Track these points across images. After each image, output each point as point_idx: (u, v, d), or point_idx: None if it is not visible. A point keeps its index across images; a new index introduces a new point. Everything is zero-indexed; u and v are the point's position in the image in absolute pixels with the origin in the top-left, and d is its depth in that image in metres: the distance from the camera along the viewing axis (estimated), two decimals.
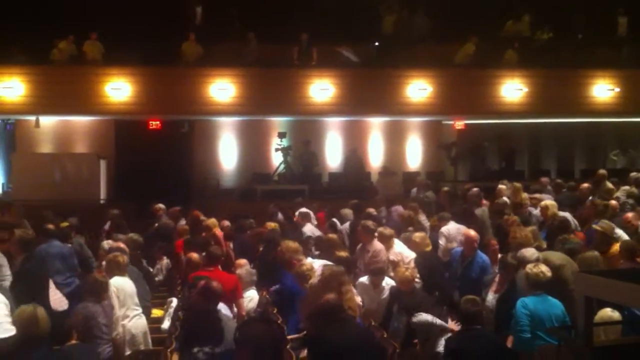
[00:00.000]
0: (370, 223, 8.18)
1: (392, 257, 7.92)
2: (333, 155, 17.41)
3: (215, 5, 15.78)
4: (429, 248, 8.25)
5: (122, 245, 7.67)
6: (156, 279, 8.78)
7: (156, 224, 10.50)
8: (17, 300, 5.38)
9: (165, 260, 9.13)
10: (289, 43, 15.51)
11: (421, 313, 5.99)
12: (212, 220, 9.61)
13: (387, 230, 8.26)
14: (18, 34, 14.09)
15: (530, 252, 6.46)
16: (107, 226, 10.35)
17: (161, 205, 11.26)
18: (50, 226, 8.16)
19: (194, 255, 7.52)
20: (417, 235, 8.27)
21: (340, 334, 5.04)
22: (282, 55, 15.59)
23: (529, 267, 5.82)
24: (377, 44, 16.57)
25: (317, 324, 5.25)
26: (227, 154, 17.06)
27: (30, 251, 6.77)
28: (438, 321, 5.92)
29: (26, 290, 5.83)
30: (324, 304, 5.25)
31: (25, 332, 4.59)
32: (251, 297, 7.16)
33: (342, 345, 4.96)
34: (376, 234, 8.05)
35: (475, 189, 10.70)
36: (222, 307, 5.91)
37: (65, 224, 8.94)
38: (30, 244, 6.86)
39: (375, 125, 17.69)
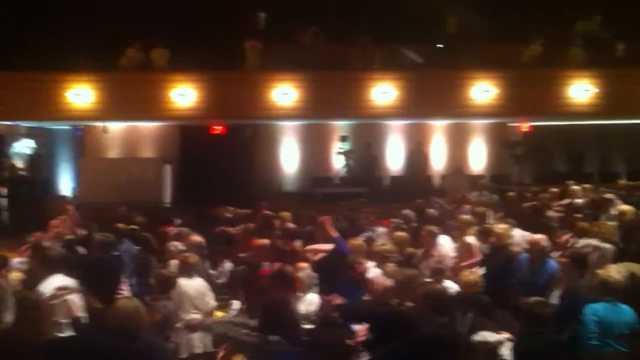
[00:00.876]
0: (435, 228, 8.06)
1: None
2: (394, 158, 17.27)
3: (278, 9, 15.86)
4: (511, 240, 8.06)
5: (198, 239, 7.73)
6: (218, 281, 8.84)
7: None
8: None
9: (228, 263, 9.19)
10: (350, 46, 15.46)
11: (482, 332, 5.81)
12: (285, 213, 9.68)
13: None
14: (87, 41, 14.48)
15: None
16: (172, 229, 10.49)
17: (226, 208, 11.33)
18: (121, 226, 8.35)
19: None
20: (501, 227, 8.06)
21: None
22: (344, 58, 15.56)
23: (603, 272, 5.63)
24: (440, 45, 16.34)
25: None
26: (289, 157, 17.14)
27: (109, 253, 6.91)
28: (495, 337, 5.74)
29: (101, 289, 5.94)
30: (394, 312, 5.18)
31: (127, 326, 4.61)
32: (312, 301, 7.12)
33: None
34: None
35: (546, 193, 10.42)
36: None
37: (134, 225, 9.09)
38: (110, 246, 7.01)
39: (438, 128, 17.48)
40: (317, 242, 8.22)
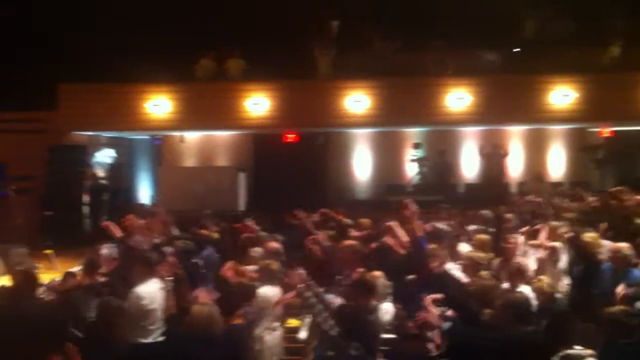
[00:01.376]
0: (521, 238, 7.83)
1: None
2: (469, 165, 16.95)
3: (350, 17, 15.86)
4: (600, 249, 7.75)
5: (276, 245, 7.74)
6: None
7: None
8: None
9: (302, 271, 9.16)
10: (424, 51, 15.29)
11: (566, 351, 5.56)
12: (365, 220, 9.60)
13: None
14: (165, 53, 14.85)
15: None
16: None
17: (301, 212, 11.29)
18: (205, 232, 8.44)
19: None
20: (589, 235, 7.76)
21: None
22: (417, 64, 15.39)
23: None
24: (517, 49, 15.96)
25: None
26: (361, 165, 17.08)
27: (189, 260, 6.99)
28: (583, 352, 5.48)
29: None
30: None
31: (201, 331, 4.65)
32: (387, 310, 7.03)
33: None
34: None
35: (636, 197, 9.94)
36: None
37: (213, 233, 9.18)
38: (192, 254, 7.10)
39: (515, 134, 17.04)
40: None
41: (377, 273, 7.62)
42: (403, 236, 7.27)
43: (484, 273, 6.76)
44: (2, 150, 14.81)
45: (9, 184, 14.94)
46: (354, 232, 9.34)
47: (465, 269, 7.23)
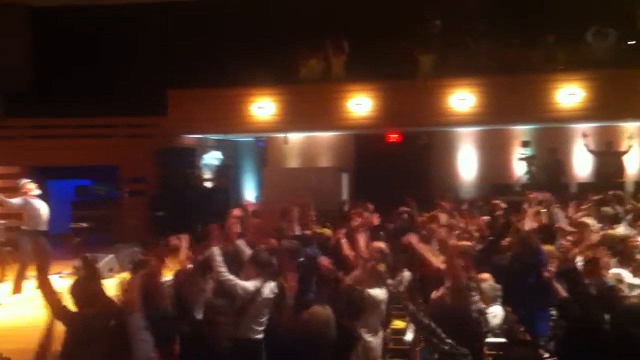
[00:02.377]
0: None
1: None
2: (582, 163, 16.17)
3: (454, 13, 15.54)
4: None
5: (381, 245, 7.64)
6: (396, 289, 8.67)
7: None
8: None
9: (407, 272, 9.00)
10: (532, 46, 14.75)
11: None
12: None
13: None
14: (268, 55, 15.10)
15: None
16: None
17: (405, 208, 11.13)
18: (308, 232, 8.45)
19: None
20: None
21: None
22: (525, 60, 14.87)
23: None
24: (631, 42, 15.11)
25: None
26: (466, 164, 16.69)
27: (297, 259, 6.99)
28: None
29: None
30: None
31: (318, 334, 4.64)
32: (495, 314, 6.78)
33: None
34: None
35: None
36: None
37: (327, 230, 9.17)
38: (298, 253, 7.12)
39: (634, 131, 16.11)
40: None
41: (486, 275, 7.39)
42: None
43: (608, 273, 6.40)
44: (115, 154, 15.52)
45: (122, 186, 15.65)
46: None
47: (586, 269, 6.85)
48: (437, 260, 6.53)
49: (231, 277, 5.86)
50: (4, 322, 8.63)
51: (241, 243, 6.92)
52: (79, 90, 15.05)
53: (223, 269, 5.85)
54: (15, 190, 15.25)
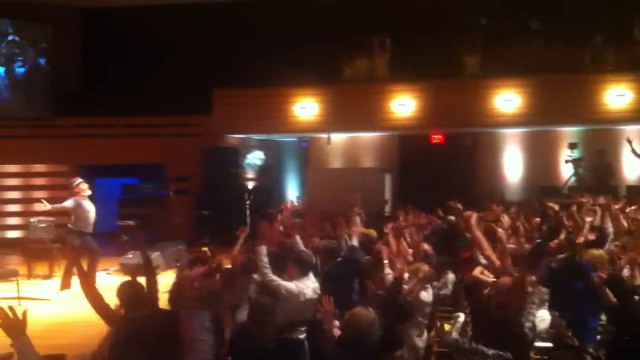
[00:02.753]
0: None
1: None
2: (631, 166, 15.79)
3: (499, 11, 15.34)
4: None
5: (426, 247, 7.59)
6: (441, 292, 8.60)
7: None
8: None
9: (451, 275, 8.91)
10: (581, 46, 14.47)
11: None
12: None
13: None
14: (311, 55, 15.12)
15: None
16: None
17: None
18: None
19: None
20: None
21: None
22: (573, 60, 14.59)
23: None
24: None
25: None
26: (511, 166, 16.46)
27: (333, 260, 7.00)
28: None
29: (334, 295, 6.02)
30: None
31: (360, 336, 4.62)
32: (543, 318, 6.67)
33: None
34: None
35: None
36: None
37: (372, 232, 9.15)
38: (334, 252, 7.13)
39: None
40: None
41: (534, 277, 7.25)
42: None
43: None
44: (162, 152, 15.75)
45: (169, 185, 15.86)
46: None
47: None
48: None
49: (275, 277, 5.89)
50: (52, 317, 8.82)
51: (298, 239, 6.91)
52: (126, 90, 15.32)
53: (267, 270, 5.87)
54: (65, 188, 15.65)
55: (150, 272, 5.19)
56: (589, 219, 8.53)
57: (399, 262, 6.66)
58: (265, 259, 5.90)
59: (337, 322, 5.05)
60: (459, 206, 10.82)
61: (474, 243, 6.76)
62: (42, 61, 15.80)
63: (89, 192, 10.81)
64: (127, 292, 4.94)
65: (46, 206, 10.36)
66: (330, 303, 4.87)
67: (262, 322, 5.14)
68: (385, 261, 6.68)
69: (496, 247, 6.40)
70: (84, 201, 10.61)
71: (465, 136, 16.12)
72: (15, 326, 3.33)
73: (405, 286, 6.16)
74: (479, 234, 6.46)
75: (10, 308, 3.37)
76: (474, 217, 6.59)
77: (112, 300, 4.96)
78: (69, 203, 10.53)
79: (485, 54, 14.97)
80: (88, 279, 4.91)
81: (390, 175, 16.25)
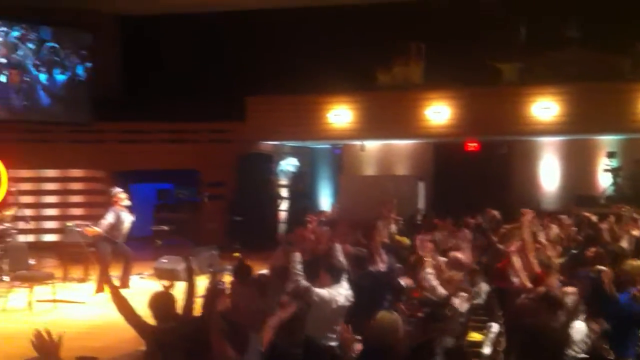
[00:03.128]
0: None
1: None
2: None
3: (539, 19, 15.16)
4: None
5: (459, 256, 7.52)
6: (474, 301, 8.50)
7: None
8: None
9: (484, 284, 8.80)
10: (620, 54, 14.22)
11: None
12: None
13: None
14: (346, 62, 15.14)
15: None
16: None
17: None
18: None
19: None
20: None
21: None
22: (612, 68, 14.34)
23: None
24: None
25: None
26: (548, 175, 16.22)
27: (363, 269, 6.96)
28: None
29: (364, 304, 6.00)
30: None
31: (382, 339, 4.59)
32: (578, 328, 6.53)
33: None
34: None
35: None
36: None
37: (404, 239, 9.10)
38: (364, 261, 7.09)
39: None
40: None
41: (571, 289, 7.11)
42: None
43: None
44: (197, 158, 15.88)
45: (203, 190, 15.97)
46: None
47: None
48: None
49: (307, 284, 5.87)
50: (87, 320, 8.93)
51: (338, 247, 6.88)
52: (163, 97, 15.49)
53: (300, 276, 5.86)
54: (101, 194, 15.89)
55: (192, 278, 5.21)
56: (636, 232, 8.37)
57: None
58: (299, 266, 5.89)
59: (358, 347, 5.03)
60: (496, 214, 10.71)
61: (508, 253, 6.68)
62: (82, 68, 16.07)
63: (128, 203, 10.87)
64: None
65: (96, 230, 10.46)
66: (349, 331, 4.83)
67: (293, 328, 5.12)
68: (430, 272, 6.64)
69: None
70: (122, 212, 10.69)
71: (501, 144, 15.94)
72: (50, 349, 3.36)
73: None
74: (527, 235, 6.38)
75: (47, 331, 3.39)
76: (529, 215, 6.50)
77: (144, 303, 5.01)
78: (110, 217, 10.56)
79: (523, 61, 14.81)
80: (117, 293, 4.95)
81: (424, 183, 16.13)
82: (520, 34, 15.39)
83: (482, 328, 7.37)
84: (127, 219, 10.75)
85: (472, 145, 15.55)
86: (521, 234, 6.80)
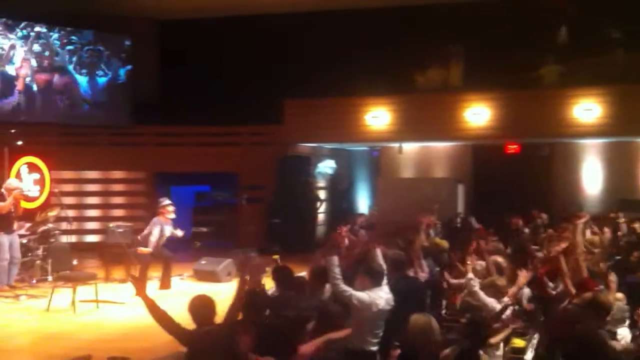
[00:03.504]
0: None
1: None
2: None
3: (581, 21, 14.89)
4: None
5: (502, 260, 7.44)
6: (515, 307, 8.36)
7: None
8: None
9: (527, 289, 8.65)
10: None
11: None
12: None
13: None
14: (383, 64, 15.07)
15: None
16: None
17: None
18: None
19: None
20: None
21: None
22: None
23: None
24: None
25: None
26: (590, 178, 15.91)
27: (401, 272, 6.90)
28: None
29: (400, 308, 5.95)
30: None
31: (417, 339, 4.54)
32: (623, 336, 6.39)
33: None
34: None
35: None
36: None
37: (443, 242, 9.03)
38: (403, 265, 7.03)
39: None
40: None
41: (619, 295, 6.93)
42: None
43: None
44: (235, 161, 15.98)
45: (242, 193, 16.07)
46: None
47: None
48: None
49: (347, 288, 5.83)
50: (128, 321, 9.02)
51: (379, 252, 6.83)
52: (201, 99, 15.63)
53: (339, 280, 5.82)
54: (141, 195, 16.10)
55: (242, 284, 5.21)
56: None
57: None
58: (337, 270, 5.85)
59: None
60: (543, 216, 10.55)
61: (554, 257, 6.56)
62: (122, 71, 16.31)
63: (173, 216, 11.00)
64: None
65: (146, 250, 10.60)
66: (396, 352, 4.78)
67: (326, 333, 5.11)
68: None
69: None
70: (166, 225, 10.83)
71: (541, 146, 15.69)
72: None
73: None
74: (580, 238, 6.27)
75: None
76: (584, 218, 6.39)
77: (185, 305, 5.04)
78: (156, 232, 10.71)
79: (564, 63, 14.57)
80: (152, 305, 4.98)
81: (463, 186, 15.96)
82: (562, 35, 15.14)
83: (525, 334, 7.25)
84: (168, 233, 10.87)
85: (513, 148, 15.34)
86: (572, 237, 6.67)
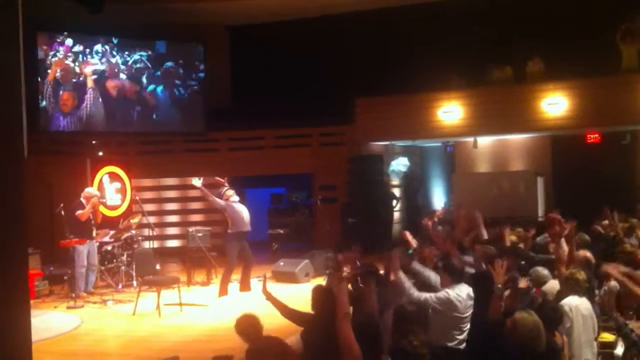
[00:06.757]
0: None
1: None
2: None
3: None
4: None
5: (587, 254, 7.20)
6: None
7: None
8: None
9: (613, 282, 8.33)
10: None
11: None
12: None
13: None
14: (455, 59, 14.84)
15: None
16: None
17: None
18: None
19: None
20: None
21: None
22: None
23: None
24: None
25: None
26: None
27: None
28: None
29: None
30: None
31: (528, 342, 4.42)
32: None
33: None
34: None
35: None
36: None
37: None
38: (494, 259, 6.88)
39: None
40: None
41: None
42: None
43: None
44: (309, 162, 16.06)
45: (316, 193, 16.14)
46: None
47: None
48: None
49: (420, 293, 5.82)
50: (212, 323, 9.19)
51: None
52: (273, 102, 15.78)
53: (412, 290, 5.81)
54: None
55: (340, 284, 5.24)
56: None
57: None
58: (408, 284, 5.89)
59: None
60: (615, 214, 10.15)
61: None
62: (197, 79, 16.64)
63: (237, 198, 11.09)
64: (245, 325, 5.16)
65: (199, 183, 10.72)
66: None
67: (405, 331, 5.03)
68: None
69: None
70: (234, 204, 10.91)
71: (623, 134, 15.10)
72: None
73: None
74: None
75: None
76: None
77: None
78: (220, 202, 10.84)
79: None
80: (270, 296, 5.30)
81: (543, 179, 15.52)
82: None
83: (613, 328, 6.99)
84: (244, 209, 10.90)
85: (593, 137, 14.81)
86: None
